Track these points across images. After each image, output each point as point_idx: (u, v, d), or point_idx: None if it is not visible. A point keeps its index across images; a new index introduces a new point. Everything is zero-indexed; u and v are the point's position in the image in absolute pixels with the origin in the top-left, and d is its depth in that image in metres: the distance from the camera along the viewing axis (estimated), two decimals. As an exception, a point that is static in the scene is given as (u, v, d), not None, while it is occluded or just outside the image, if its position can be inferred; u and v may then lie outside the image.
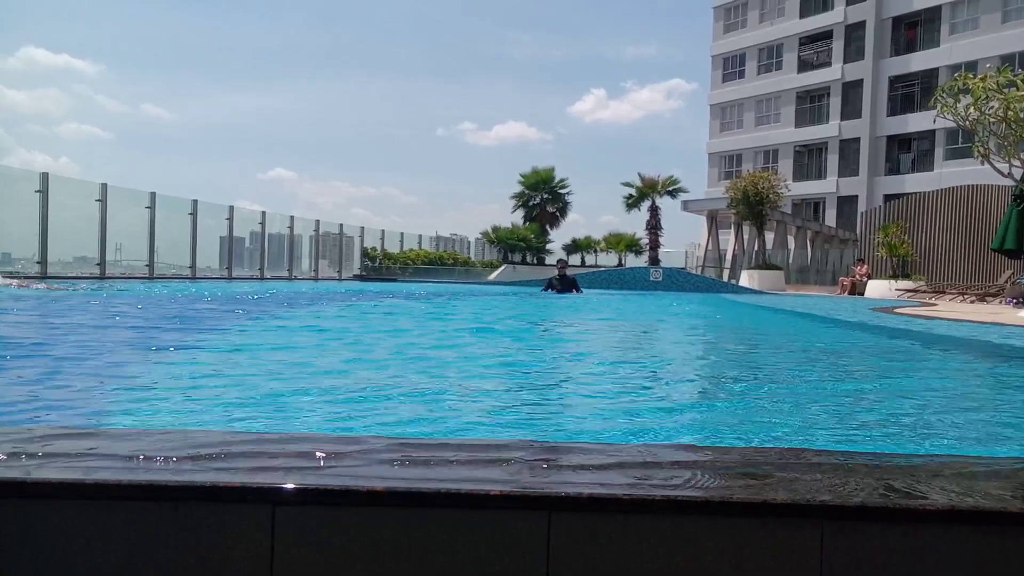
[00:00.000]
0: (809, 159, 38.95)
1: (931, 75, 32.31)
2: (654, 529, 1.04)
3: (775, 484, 1.11)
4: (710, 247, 32.52)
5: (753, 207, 24.89)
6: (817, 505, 1.03)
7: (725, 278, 28.94)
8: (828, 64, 37.30)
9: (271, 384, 3.56)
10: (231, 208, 22.84)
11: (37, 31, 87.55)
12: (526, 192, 35.00)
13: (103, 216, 17.76)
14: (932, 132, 31.06)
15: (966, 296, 17.71)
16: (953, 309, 12.94)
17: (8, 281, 13.14)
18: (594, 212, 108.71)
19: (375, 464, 1.20)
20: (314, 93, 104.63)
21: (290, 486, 1.06)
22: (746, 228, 29.18)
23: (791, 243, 31.24)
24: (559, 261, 17.45)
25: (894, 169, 35.35)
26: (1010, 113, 14.11)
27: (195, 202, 20.98)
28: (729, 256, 31.80)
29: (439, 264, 30.89)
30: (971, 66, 26.91)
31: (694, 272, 28.23)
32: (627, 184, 33.48)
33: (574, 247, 33.64)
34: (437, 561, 1.05)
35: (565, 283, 15.07)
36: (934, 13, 33.42)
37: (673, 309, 12.25)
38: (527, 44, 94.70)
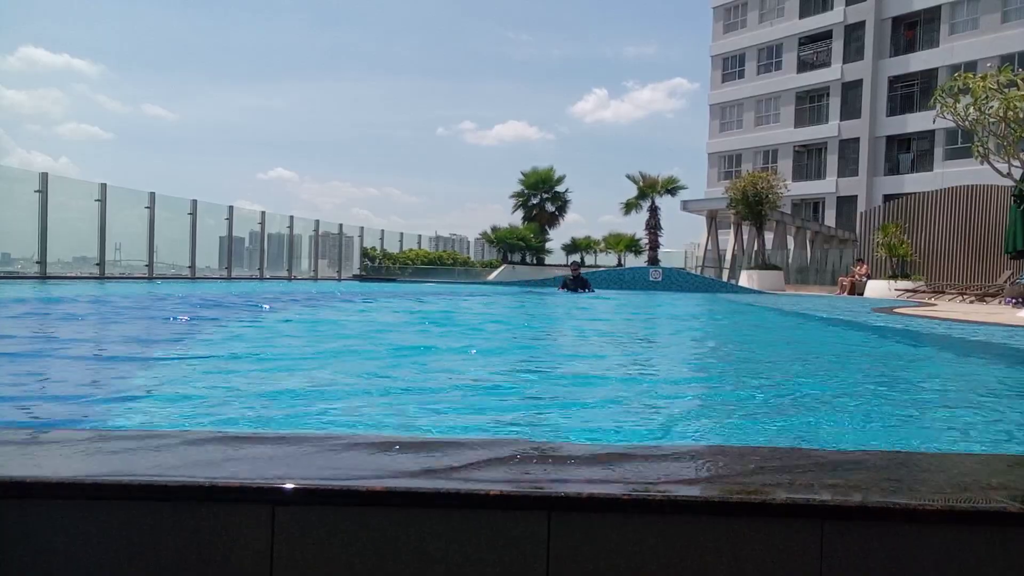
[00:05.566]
0: (808, 159, 38.96)
1: (931, 75, 32.33)
2: (654, 529, 1.04)
3: (775, 484, 1.11)
4: (710, 247, 32.49)
5: (752, 207, 24.90)
6: (817, 505, 1.03)
7: (725, 278, 28.93)
8: (828, 64, 37.30)
9: (273, 384, 3.56)
10: (231, 208, 22.84)
11: (37, 31, 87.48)
12: (526, 192, 34.90)
13: (102, 216, 17.74)
14: (931, 132, 31.09)
15: (965, 296, 17.72)
16: (952, 309, 12.94)
17: None
18: (594, 212, 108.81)
19: (375, 463, 1.20)
20: (314, 93, 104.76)
21: (290, 486, 1.06)
22: (745, 228, 29.17)
23: (790, 243, 31.24)
24: (573, 263, 19.71)
25: (893, 169, 35.36)
26: (1010, 113, 14.10)
27: (194, 202, 20.97)
28: (728, 256, 31.78)
29: (439, 264, 30.89)
30: (971, 66, 26.92)
31: (694, 272, 28.22)
32: (629, 178, 33.32)
33: (573, 247, 33.58)
34: (437, 561, 1.05)
35: (578, 283, 17.13)
36: (934, 13, 33.43)
37: (671, 309, 12.25)
38: (527, 44, 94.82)
